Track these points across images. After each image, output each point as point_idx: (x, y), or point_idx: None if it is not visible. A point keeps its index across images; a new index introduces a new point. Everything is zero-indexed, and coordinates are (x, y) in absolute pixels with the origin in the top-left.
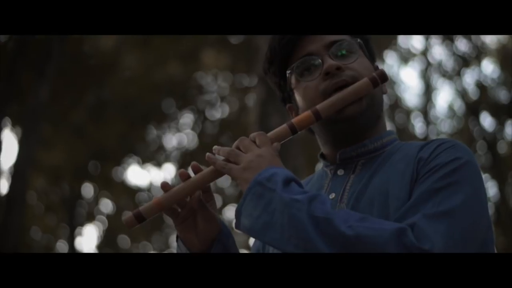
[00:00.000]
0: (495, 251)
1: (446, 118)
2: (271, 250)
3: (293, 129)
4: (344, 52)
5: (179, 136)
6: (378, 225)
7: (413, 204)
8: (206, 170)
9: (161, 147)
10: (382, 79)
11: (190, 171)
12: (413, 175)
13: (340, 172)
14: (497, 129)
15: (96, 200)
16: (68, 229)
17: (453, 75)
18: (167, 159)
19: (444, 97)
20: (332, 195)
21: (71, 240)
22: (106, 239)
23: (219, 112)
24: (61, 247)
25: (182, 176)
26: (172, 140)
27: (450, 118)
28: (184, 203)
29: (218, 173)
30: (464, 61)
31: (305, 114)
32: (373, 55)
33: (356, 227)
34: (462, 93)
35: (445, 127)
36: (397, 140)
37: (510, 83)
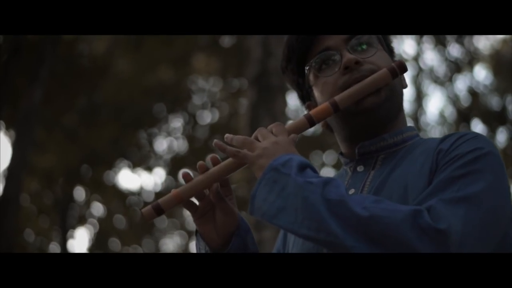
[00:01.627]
0: None
1: (437, 125)
2: (291, 250)
3: (310, 121)
4: (363, 46)
5: (170, 140)
6: (393, 207)
7: (431, 192)
8: (223, 162)
9: (151, 151)
10: (402, 69)
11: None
12: (432, 166)
13: (360, 168)
14: (488, 137)
15: (87, 203)
16: (60, 231)
17: (445, 81)
18: (157, 163)
19: (435, 103)
20: (352, 191)
21: (63, 242)
22: (97, 242)
23: (209, 117)
24: (54, 249)
25: (200, 168)
26: (162, 144)
27: (441, 125)
28: (203, 196)
29: (236, 165)
30: (456, 67)
31: (323, 106)
32: (392, 50)
33: (371, 208)
34: (453, 100)
35: (436, 133)
36: (418, 136)
37: (502, 90)
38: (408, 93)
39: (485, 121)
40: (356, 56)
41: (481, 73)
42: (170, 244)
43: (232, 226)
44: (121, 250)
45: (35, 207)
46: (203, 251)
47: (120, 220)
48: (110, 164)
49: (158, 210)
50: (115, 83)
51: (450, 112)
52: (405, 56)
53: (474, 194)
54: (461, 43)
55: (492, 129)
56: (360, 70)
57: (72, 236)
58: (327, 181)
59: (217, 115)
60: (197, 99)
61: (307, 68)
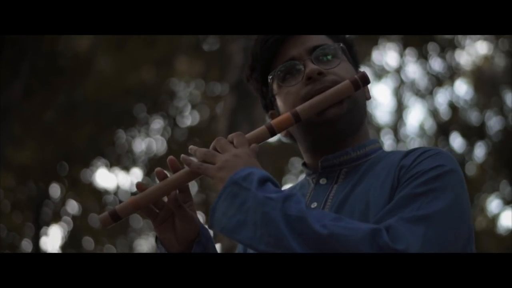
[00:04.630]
0: None
1: (416, 137)
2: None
3: (271, 131)
4: (327, 56)
5: (149, 141)
6: (352, 225)
7: (391, 209)
8: (182, 170)
9: (130, 151)
10: (364, 81)
11: (164, 173)
12: (393, 183)
13: (323, 181)
14: (466, 151)
15: (63, 200)
16: (33, 228)
17: (426, 94)
18: (135, 164)
19: (416, 115)
20: (314, 204)
21: (36, 239)
22: (71, 240)
23: (189, 119)
24: (26, 246)
25: (159, 174)
26: (141, 145)
27: (420, 137)
28: (162, 204)
29: (194, 174)
30: (438, 81)
31: (284, 116)
32: (357, 60)
33: (330, 226)
34: (433, 113)
35: (415, 145)
36: (381, 149)
37: (482, 105)
38: (389, 105)
39: (464, 135)
40: (319, 67)
41: (462, 88)
42: (145, 245)
43: (192, 233)
44: (95, 250)
45: (9, 203)
46: None
47: (95, 219)
48: (88, 162)
49: (115, 217)
50: (96, 81)
51: (430, 125)
52: (387, 68)
53: (434, 213)
54: (443, 57)
55: (471, 143)
56: (323, 81)
57: (45, 233)
58: (288, 196)
59: (197, 118)
60: (177, 102)
61: (270, 77)
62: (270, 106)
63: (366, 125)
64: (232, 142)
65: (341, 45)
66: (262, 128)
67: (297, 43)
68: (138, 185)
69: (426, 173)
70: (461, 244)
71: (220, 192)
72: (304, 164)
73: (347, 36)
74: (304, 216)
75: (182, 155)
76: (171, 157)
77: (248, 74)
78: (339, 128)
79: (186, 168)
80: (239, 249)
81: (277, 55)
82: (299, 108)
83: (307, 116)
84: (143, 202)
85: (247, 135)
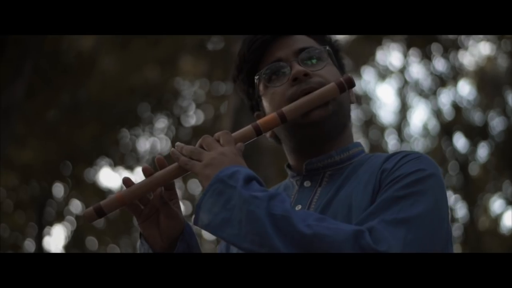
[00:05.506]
0: None
1: (419, 137)
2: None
3: (257, 130)
4: (313, 59)
5: (153, 140)
6: (336, 226)
7: (373, 211)
8: (169, 167)
9: (134, 151)
10: (349, 84)
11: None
12: (375, 186)
13: (307, 183)
14: (469, 151)
15: (66, 200)
16: (36, 228)
17: (429, 95)
18: (139, 163)
19: (419, 115)
20: (299, 207)
21: (39, 239)
22: (74, 240)
23: (193, 119)
24: (29, 245)
25: (145, 171)
26: (145, 144)
27: (423, 137)
28: (147, 201)
29: (181, 170)
30: (441, 81)
31: (270, 116)
32: (342, 65)
33: (314, 226)
34: (437, 113)
35: (418, 145)
36: (364, 152)
37: (485, 105)
38: (393, 105)
39: (467, 135)
40: (305, 68)
41: (465, 89)
42: None
43: (177, 230)
44: (98, 250)
45: (11, 202)
46: None
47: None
48: (91, 162)
49: (100, 212)
50: (100, 80)
51: (433, 125)
52: (391, 68)
53: (414, 216)
54: (446, 58)
55: (474, 144)
56: (309, 82)
57: (48, 233)
58: (273, 195)
59: (201, 117)
60: (182, 101)
61: (256, 78)
62: (256, 107)
63: (350, 128)
64: (218, 141)
65: (327, 48)
66: (248, 127)
67: (284, 45)
68: (125, 180)
69: (407, 176)
70: (440, 246)
71: (205, 189)
72: (288, 165)
73: (333, 40)
74: (289, 216)
75: (172, 149)
76: (158, 156)
77: (235, 75)
78: (324, 130)
79: (173, 165)
80: (221, 248)
81: (264, 56)
82: (285, 109)
83: (292, 117)
84: (129, 198)
85: (233, 134)
